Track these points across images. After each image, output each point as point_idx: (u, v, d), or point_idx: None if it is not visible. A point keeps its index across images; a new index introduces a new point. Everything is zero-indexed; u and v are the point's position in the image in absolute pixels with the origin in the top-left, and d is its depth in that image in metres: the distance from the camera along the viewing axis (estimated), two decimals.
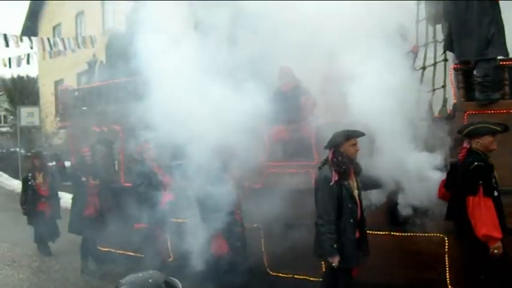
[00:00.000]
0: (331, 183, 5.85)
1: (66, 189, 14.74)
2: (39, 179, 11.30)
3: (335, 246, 5.78)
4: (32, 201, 11.16)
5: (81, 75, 25.55)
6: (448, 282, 6.45)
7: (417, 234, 6.55)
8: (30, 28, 30.36)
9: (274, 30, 7.34)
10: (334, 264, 5.80)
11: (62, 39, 19.82)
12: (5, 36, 17.59)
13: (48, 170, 11.82)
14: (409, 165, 6.25)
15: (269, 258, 7.78)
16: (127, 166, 9.39)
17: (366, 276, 6.18)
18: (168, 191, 7.89)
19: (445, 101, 7.04)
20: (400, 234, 6.69)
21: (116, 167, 10.05)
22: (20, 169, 22.45)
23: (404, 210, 6.43)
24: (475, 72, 6.52)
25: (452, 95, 6.82)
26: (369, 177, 6.27)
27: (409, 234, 6.62)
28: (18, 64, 19.68)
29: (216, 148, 6.85)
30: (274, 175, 7.49)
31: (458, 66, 6.64)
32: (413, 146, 6.30)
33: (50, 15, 30.88)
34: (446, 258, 6.46)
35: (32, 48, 19.31)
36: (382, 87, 6.18)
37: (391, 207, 6.61)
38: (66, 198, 13.07)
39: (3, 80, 35.36)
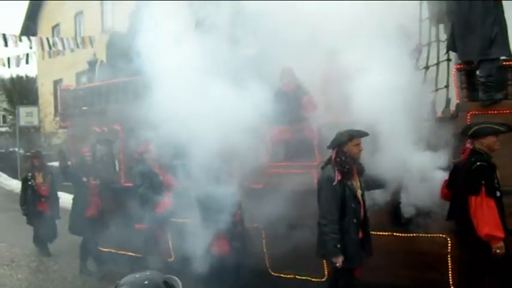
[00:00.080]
0: (334, 183, 5.83)
1: (65, 189, 14.76)
2: (39, 178, 11.26)
3: (338, 246, 5.76)
4: (32, 201, 11.11)
5: (80, 75, 25.59)
6: (451, 282, 6.43)
7: (420, 235, 6.53)
8: (30, 28, 30.34)
9: (276, 30, 7.33)
10: (338, 264, 5.77)
11: (61, 39, 19.79)
12: (4, 36, 17.56)
13: (47, 169, 11.80)
14: (412, 165, 6.23)
15: (271, 258, 7.75)
16: (127, 166, 9.36)
17: (369, 277, 6.15)
18: (167, 196, 7.84)
19: (448, 101, 7.01)
20: (403, 234, 6.67)
21: (117, 167, 10.01)
22: (18, 169, 22.46)
23: (407, 211, 6.39)
24: (478, 72, 6.50)
25: (455, 95, 6.80)
26: (371, 177, 6.25)
27: (412, 234, 6.59)
28: (17, 64, 19.62)
29: (217, 148, 6.81)
30: (276, 175, 7.47)
31: (462, 66, 6.62)
32: (416, 146, 6.27)
33: (49, 15, 30.85)
34: (449, 259, 6.44)
35: (31, 48, 19.28)
36: (385, 87, 6.16)
37: (394, 208, 6.58)
38: (64, 198, 13.05)
39: (2, 80, 35.35)
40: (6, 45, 17.67)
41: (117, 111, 9.44)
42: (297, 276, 7.55)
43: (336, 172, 5.86)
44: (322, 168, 6.14)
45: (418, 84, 6.76)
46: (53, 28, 30.42)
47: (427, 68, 7.45)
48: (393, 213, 6.65)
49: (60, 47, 19.39)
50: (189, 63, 6.97)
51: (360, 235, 5.94)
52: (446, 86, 7.13)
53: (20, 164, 22.33)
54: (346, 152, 5.90)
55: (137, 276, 2.66)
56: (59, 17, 29.64)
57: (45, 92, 31.12)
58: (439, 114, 6.95)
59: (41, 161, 11.53)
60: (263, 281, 7.49)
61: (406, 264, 6.55)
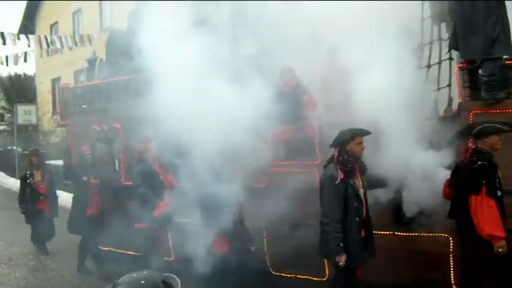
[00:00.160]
0: (336, 182, 5.80)
1: (63, 188, 14.73)
2: (38, 177, 11.23)
3: (341, 245, 5.73)
4: (31, 200, 11.06)
5: (78, 73, 25.59)
6: (453, 282, 6.42)
7: (422, 234, 6.52)
8: (28, 27, 30.35)
9: (277, 29, 7.32)
10: (340, 264, 5.74)
11: (59, 37, 19.74)
12: (2, 34, 17.51)
13: (46, 167, 11.80)
14: (414, 164, 6.22)
15: (272, 258, 7.73)
16: (128, 165, 9.33)
17: (371, 276, 6.12)
18: (167, 196, 7.82)
19: (450, 100, 7.00)
20: (405, 234, 6.65)
21: (117, 165, 9.98)
22: (16, 167, 22.42)
23: (409, 210, 6.38)
24: (480, 71, 6.49)
25: (457, 94, 6.78)
26: (374, 176, 6.23)
27: (414, 234, 6.58)
28: (16, 62, 19.58)
29: (218, 147, 6.78)
30: (278, 174, 7.45)
31: (464, 65, 6.61)
32: (418, 145, 6.26)
33: (47, 13, 30.84)
34: (451, 258, 6.42)
35: (29, 46, 19.23)
36: (387, 85, 6.16)
37: (396, 207, 6.56)
38: (63, 197, 13.03)
39: (1, 78, 35.23)
40: (4, 43, 17.63)
41: (117, 109, 9.41)
42: (297, 276, 7.53)
43: (339, 171, 5.83)
44: (325, 167, 6.11)
45: (421, 83, 6.73)
46: (51, 26, 30.41)
47: (429, 66, 7.43)
48: (395, 212, 6.62)
49: (58, 45, 19.34)
50: (189, 62, 6.94)
51: (362, 234, 5.92)
52: (449, 85, 7.12)
53: (18, 163, 22.28)
54: (348, 150, 5.88)
55: (135, 275, 2.66)
56: (57, 16, 29.61)
57: (43, 90, 31.11)
58: (442, 113, 6.93)
59: (40, 159, 11.50)
60: (264, 280, 7.44)
61: (408, 263, 6.54)
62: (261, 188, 7.41)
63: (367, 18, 6.61)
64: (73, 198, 9.44)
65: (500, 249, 5.46)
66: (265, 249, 7.76)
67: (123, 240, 8.79)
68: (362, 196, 5.93)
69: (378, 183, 6.32)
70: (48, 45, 19.15)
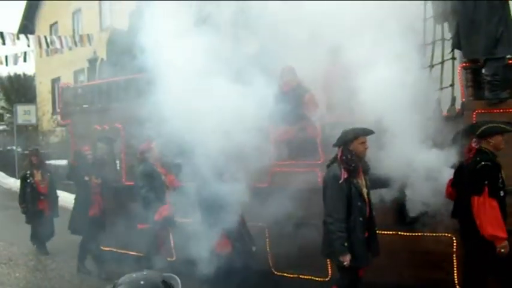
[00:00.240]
0: (340, 181, 5.79)
1: (63, 188, 14.73)
2: (38, 176, 11.25)
3: (345, 244, 5.72)
4: (31, 199, 11.06)
5: (78, 73, 25.59)
6: (456, 282, 6.40)
7: (425, 234, 6.51)
8: (27, 26, 30.30)
9: (279, 28, 7.30)
10: (345, 263, 5.73)
11: (59, 37, 19.72)
12: (2, 34, 17.50)
13: (46, 167, 11.80)
14: (417, 164, 6.19)
15: (274, 258, 7.71)
16: (129, 165, 9.32)
17: (374, 276, 6.11)
18: (169, 198, 7.80)
19: (453, 99, 6.98)
20: (408, 233, 6.64)
21: (118, 165, 9.96)
22: (16, 167, 22.40)
23: (412, 210, 6.36)
24: (484, 71, 6.48)
25: (460, 93, 6.77)
26: (377, 175, 6.21)
27: (417, 233, 6.56)
28: (15, 62, 19.59)
29: (220, 147, 6.76)
30: (280, 174, 7.43)
31: (467, 64, 6.59)
32: (421, 144, 6.23)
33: (47, 13, 30.80)
34: (455, 258, 6.40)
35: (28, 46, 19.22)
36: (391, 85, 6.14)
37: (399, 207, 6.54)
38: (63, 197, 13.01)
39: (0, 78, 35.18)
40: (4, 43, 17.63)
41: (118, 109, 9.39)
42: (300, 276, 7.50)
43: (342, 170, 5.82)
44: (328, 166, 6.10)
45: (423, 82, 6.71)
46: (51, 26, 30.37)
47: (431, 66, 7.42)
48: (398, 212, 6.60)
49: (58, 45, 19.33)
50: (191, 61, 6.92)
51: (366, 234, 5.90)
52: (452, 85, 7.10)
53: (18, 162, 22.27)
54: (352, 150, 5.87)
55: (134, 276, 2.66)
56: (57, 16, 29.58)
57: (43, 90, 31.08)
58: (445, 112, 6.92)
59: (40, 159, 11.52)
60: (266, 280, 7.42)
61: (411, 263, 6.53)
62: (263, 187, 7.37)
63: (369, 17, 6.59)
64: (75, 198, 9.42)
65: (502, 250, 5.45)
66: (268, 249, 7.74)
67: (125, 241, 8.77)
68: (365, 196, 5.92)
69: (380, 182, 6.30)
70: (47, 45, 19.14)
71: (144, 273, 2.70)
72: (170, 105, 6.81)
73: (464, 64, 6.66)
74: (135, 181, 8.08)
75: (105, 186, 9.18)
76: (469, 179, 5.64)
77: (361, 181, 5.94)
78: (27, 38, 18.88)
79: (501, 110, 6.31)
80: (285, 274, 7.67)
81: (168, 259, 8.38)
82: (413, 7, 7.17)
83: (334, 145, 6.03)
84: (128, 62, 8.55)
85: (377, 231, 6.12)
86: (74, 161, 9.43)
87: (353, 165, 5.83)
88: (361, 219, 5.82)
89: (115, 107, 9.56)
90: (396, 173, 6.26)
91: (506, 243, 5.45)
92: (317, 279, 7.33)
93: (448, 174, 6.12)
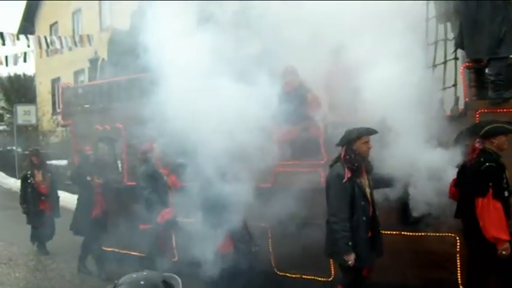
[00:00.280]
0: (344, 181, 5.78)
1: (64, 188, 14.72)
2: (38, 176, 11.27)
3: (350, 244, 5.71)
4: (32, 200, 11.06)
5: (78, 73, 25.58)
6: (460, 282, 6.38)
7: (429, 234, 6.49)
8: (27, 27, 30.23)
9: (281, 28, 7.29)
10: (350, 263, 5.72)
11: (59, 38, 19.69)
12: (2, 34, 17.46)
13: (47, 167, 11.80)
14: (421, 164, 6.18)
15: (277, 258, 7.69)
16: (131, 165, 9.30)
17: (377, 276, 6.10)
18: (172, 200, 7.78)
19: (456, 99, 6.97)
20: (412, 233, 6.62)
21: (120, 166, 9.93)
22: (16, 167, 22.40)
23: (415, 209, 6.34)
24: (487, 70, 6.47)
25: (463, 93, 6.75)
26: (380, 175, 6.20)
27: (420, 233, 6.55)
28: (15, 62, 19.54)
29: (222, 148, 6.74)
30: (283, 174, 7.42)
31: (470, 64, 6.58)
32: (424, 144, 6.22)
33: (47, 13, 30.76)
34: (458, 258, 6.39)
35: (28, 46, 19.20)
36: (393, 84, 6.13)
37: (402, 207, 6.53)
38: (64, 197, 13.00)
39: (0, 78, 35.15)
40: (3, 43, 17.59)
41: (120, 109, 9.37)
42: (303, 276, 7.49)
43: (346, 170, 5.82)
44: (331, 166, 6.09)
45: (426, 81, 6.70)
46: (51, 26, 30.33)
47: (434, 66, 7.41)
48: (401, 212, 6.59)
49: (58, 45, 19.28)
50: (192, 61, 6.90)
51: (369, 234, 5.89)
52: (455, 85, 7.09)
53: (18, 163, 22.27)
54: (355, 149, 5.87)
55: (134, 276, 2.66)
56: (57, 16, 29.53)
57: (43, 90, 31.02)
58: (448, 112, 6.91)
59: (40, 159, 11.55)
60: (268, 280, 7.41)
61: (415, 263, 6.51)
62: (266, 187, 7.35)
63: (371, 17, 6.58)
64: (78, 199, 9.39)
65: (504, 252, 5.43)
66: (270, 249, 7.73)
67: (127, 241, 8.77)
68: (368, 195, 5.92)
69: (384, 182, 6.28)
70: (47, 46, 19.09)
71: (145, 273, 2.70)
72: (172, 105, 6.80)
73: (467, 64, 6.65)
74: (137, 182, 8.04)
75: (107, 187, 9.16)
76: (472, 180, 5.62)
77: (364, 181, 5.95)
78: (27, 38, 18.85)
79: (504, 110, 6.29)
80: (287, 274, 7.65)
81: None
82: (415, 7, 7.15)
83: (338, 144, 6.03)
84: (129, 62, 8.53)
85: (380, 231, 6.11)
86: (77, 161, 9.42)
87: (356, 164, 5.83)
88: (364, 218, 5.82)
89: (116, 107, 9.54)
90: (399, 173, 6.24)
91: (507, 245, 5.43)
92: (320, 279, 7.31)
93: (452, 174, 6.10)
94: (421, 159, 6.16)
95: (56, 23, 30.10)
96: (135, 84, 9.20)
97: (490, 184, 5.46)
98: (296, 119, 7.30)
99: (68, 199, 14.47)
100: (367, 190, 5.93)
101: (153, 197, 7.58)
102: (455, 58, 7.26)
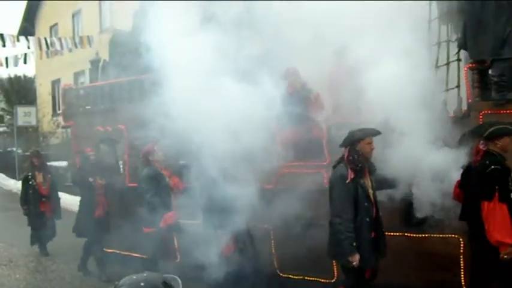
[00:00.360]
0: (347, 181, 5.77)
1: (65, 190, 14.71)
2: (39, 178, 11.27)
3: (354, 244, 5.69)
4: (33, 201, 11.07)
5: (78, 75, 25.58)
6: (463, 283, 6.35)
7: (432, 235, 6.47)
8: (27, 28, 30.26)
9: (283, 28, 7.28)
10: (354, 263, 5.69)
11: (59, 39, 19.72)
12: (2, 36, 17.49)
13: (47, 169, 11.80)
14: (424, 165, 6.16)
15: (279, 259, 7.67)
16: (132, 167, 9.27)
17: (380, 278, 6.07)
18: (175, 202, 7.76)
19: (460, 100, 6.96)
20: (415, 235, 6.60)
21: (121, 167, 9.91)
22: (16, 169, 22.40)
23: (419, 211, 6.33)
24: (490, 71, 6.44)
25: (466, 94, 6.73)
26: (383, 176, 6.18)
27: (424, 235, 6.53)
28: (15, 64, 19.57)
29: (224, 149, 6.73)
30: (286, 176, 7.40)
31: (474, 65, 6.56)
32: (428, 145, 6.20)
33: (47, 15, 30.79)
34: (462, 259, 6.36)
35: (28, 48, 19.23)
36: (395, 85, 6.12)
37: (405, 208, 6.51)
38: (64, 199, 12.99)
39: (0, 80, 35.15)
40: (4, 45, 17.62)
41: (121, 110, 9.36)
42: (305, 277, 7.46)
43: (349, 170, 5.80)
44: (334, 167, 6.07)
45: (429, 82, 6.68)
46: (51, 28, 30.35)
47: (437, 67, 7.39)
48: (405, 213, 6.57)
49: (58, 47, 19.31)
50: (194, 62, 6.88)
51: (373, 235, 5.87)
52: (458, 86, 7.08)
53: (18, 164, 22.26)
54: (358, 150, 5.85)
55: (135, 277, 2.65)
56: (57, 17, 29.57)
57: (43, 92, 31.04)
58: (451, 113, 6.89)
59: (41, 161, 11.55)
60: (271, 281, 7.40)
61: (418, 264, 6.49)
62: (269, 189, 7.33)
63: (374, 17, 6.57)
64: (80, 201, 9.37)
65: (505, 256, 5.40)
66: (273, 251, 7.70)
67: (128, 243, 8.75)
68: (372, 196, 5.90)
69: (387, 183, 6.27)
70: (47, 47, 19.13)
71: (145, 274, 2.70)
72: (173, 106, 6.78)
73: (470, 65, 6.62)
74: (139, 184, 8.00)
75: (108, 188, 9.15)
76: (477, 183, 5.58)
77: (368, 181, 5.93)
78: (27, 39, 18.92)
79: (508, 111, 6.25)
80: (290, 276, 7.62)
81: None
82: (418, 7, 7.13)
83: (341, 145, 6.01)
84: (131, 63, 8.52)
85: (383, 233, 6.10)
86: (78, 163, 9.41)
87: (360, 165, 5.82)
88: (367, 219, 5.81)
89: (118, 108, 9.51)
90: (402, 174, 6.23)
91: (510, 249, 5.39)
92: (323, 280, 7.28)
93: (455, 175, 6.07)
94: (424, 161, 6.14)
95: (56, 24, 30.13)
96: (137, 85, 9.18)
97: (496, 187, 5.40)
98: (298, 120, 7.28)
99: (68, 201, 14.49)
100: (370, 191, 5.91)
101: (156, 200, 7.53)
102: (458, 59, 7.24)
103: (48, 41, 19.21)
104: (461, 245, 6.35)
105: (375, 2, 6.60)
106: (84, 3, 25.80)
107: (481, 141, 5.69)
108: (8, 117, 31.94)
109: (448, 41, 7.48)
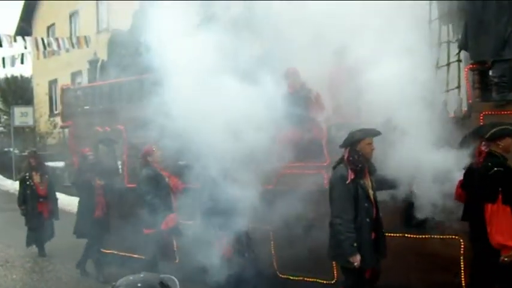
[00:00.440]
0: (347, 182, 5.74)
1: (62, 190, 14.68)
2: (37, 178, 11.25)
3: (355, 245, 5.66)
4: (31, 201, 11.04)
5: (75, 75, 25.54)
6: (463, 284, 6.33)
7: (432, 236, 6.45)
8: (24, 28, 30.21)
9: (283, 28, 7.27)
10: (356, 264, 5.67)
11: (56, 39, 19.75)
12: None
13: (45, 169, 11.78)
14: (424, 166, 6.14)
15: (279, 260, 7.64)
16: (131, 167, 9.24)
17: (381, 279, 6.04)
18: (175, 203, 7.73)
19: (460, 101, 6.95)
20: (415, 236, 6.58)
21: (120, 168, 9.88)
22: (13, 169, 22.38)
23: (419, 212, 6.31)
24: (491, 72, 6.44)
25: (467, 95, 6.72)
26: (382, 176, 6.16)
27: (424, 236, 6.51)
28: (12, 64, 19.62)
29: (224, 150, 6.70)
30: (286, 176, 7.38)
31: (474, 66, 6.54)
32: (428, 145, 6.18)
33: (44, 15, 30.77)
34: (462, 261, 6.33)
35: (25, 48, 19.22)
36: (396, 85, 6.12)
37: (406, 209, 6.50)
38: (62, 199, 12.94)
39: None
40: (1, 45, 17.71)
41: (120, 110, 9.33)
42: (305, 279, 7.43)
43: (349, 171, 5.77)
44: (334, 167, 6.04)
45: (430, 83, 6.68)
46: (48, 28, 30.31)
47: (437, 68, 7.38)
48: (405, 214, 6.56)
49: (55, 47, 19.34)
50: (194, 62, 6.86)
51: (373, 236, 5.85)
52: (458, 87, 7.07)
53: (15, 164, 22.23)
54: (358, 151, 5.83)
55: (131, 278, 2.65)
56: (54, 17, 29.56)
57: (40, 92, 31.01)
58: (451, 114, 6.88)
59: (39, 161, 11.53)
60: (271, 283, 7.37)
61: (418, 266, 6.47)
62: (268, 190, 7.30)
63: (373, 17, 6.57)
64: (79, 202, 9.34)
65: (506, 259, 5.38)
66: (273, 252, 7.67)
67: (128, 244, 8.71)
68: (372, 197, 5.88)
69: (387, 184, 6.25)
70: (44, 47, 19.17)
71: (141, 275, 2.68)
72: (172, 106, 6.76)
73: (471, 65, 6.61)
74: (139, 185, 7.93)
75: (108, 188, 9.11)
76: (480, 184, 5.56)
77: (368, 182, 5.90)
78: (24, 39, 18.94)
79: (508, 112, 6.24)
80: (290, 277, 7.60)
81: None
82: (419, 7, 7.12)
83: (341, 146, 5.99)
84: (131, 63, 8.49)
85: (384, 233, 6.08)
86: (77, 163, 9.39)
87: (360, 165, 5.79)
88: (368, 220, 5.78)
89: (117, 109, 9.49)
90: (402, 174, 6.22)
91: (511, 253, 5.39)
92: (322, 281, 7.26)
93: (456, 176, 6.05)
94: (424, 161, 6.13)
95: (53, 24, 30.10)
96: (136, 85, 9.16)
97: (500, 189, 5.38)
98: (298, 120, 7.26)
99: (65, 201, 14.46)
100: (371, 192, 5.88)
101: (156, 202, 7.48)
102: (458, 60, 7.23)
103: (45, 41, 19.26)
104: (462, 246, 6.32)
105: (375, 2, 6.59)
106: (81, 4, 25.76)
107: (483, 142, 5.67)
108: (5, 117, 31.86)
109: (448, 42, 7.46)
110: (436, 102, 6.83)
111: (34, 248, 11.22)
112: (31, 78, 33.69)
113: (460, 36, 6.99)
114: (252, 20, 7.40)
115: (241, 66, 6.90)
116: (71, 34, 25.03)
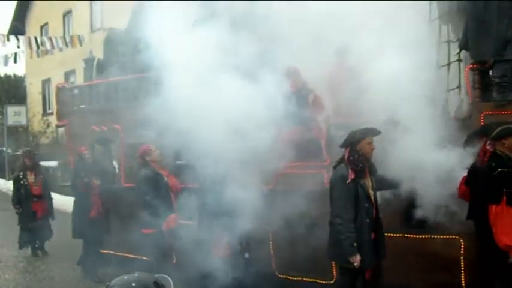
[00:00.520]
0: (347, 182, 5.72)
1: (57, 190, 14.62)
2: (31, 178, 11.25)
3: (355, 245, 5.64)
4: (25, 201, 11.01)
5: (68, 74, 25.48)
6: (464, 285, 6.33)
7: (433, 237, 6.45)
8: (18, 28, 30.14)
9: (283, 28, 7.24)
10: (356, 264, 5.64)
11: (50, 38, 19.64)
12: None
13: (39, 169, 11.74)
14: (425, 166, 6.11)
15: (277, 260, 7.61)
16: (128, 167, 9.18)
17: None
18: (175, 203, 7.67)
19: (461, 101, 6.93)
20: (415, 236, 6.57)
21: (117, 168, 9.83)
22: (6, 169, 22.32)
23: (420, 212, 6.29)
24: (492, 72, 6.42)
25: (467, 95, 6.71)
26: (383, 176, 6.14)
27: (424, 236, 6.50)
28: (5, 63, 19.57)
29: (222, 150, 6.66)
30: (285, 176, 7.34)
31: (475, 66, 6.53)
32: (429, 145, 6.16)
33: (38, 14, 30.72)
34: (462, 261, 6.32)
35: (19, 47, 19.14)
36: (398, 86, 6.10)
37: (406, 209, 6.48)
38: (56, 199, 12.89)
39: None
40: None
41: (118, 109, 9.27)
42: (304, 279, 7.41)
43: (349, 171, 5.75)
44: (334, 167, 6.02)
45: (431, 82, 6.66)
46: (42, 27, 30.24)
47: (438, 68, 7.36)
48: (405, 214, 6.54)
49: (48, 46, 19.23)
50: (191, 61, 6.82)
51: (372, 236, 5.82)
52: (458, 87, 7.06)
53: (8, 164, 22.16)
54: (359, 150, 5.82)
55: (126, 278, 2.65)
56: (48, 17, 29.52)
57: (33, 91, 30.94)
58: (452, 114, 6.87)
59: (33, 161, 11.51)
60: (269, 283, 7.35)
61: (418, 266, 6.47)
62: (267, 190, 7.25)
63: (374, 17, 6.55)
64: (74, 202, 9.28)
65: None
66: (271, 252, 7.65)
67: (125, 244, 8.66)
68: (372, 197, 5.86)
69: (387, 184, 6.22)
70: (38, 46, 19.07)
71: (136, 274, 2.69)
72: (170, 105, 6.70)
73: (472, 65, 6.59)
74: (138, 185, 7.84)
75: (104, 188, 9.05)
76: (484, 184, 5.55)
77: (368, 182, 5.88)
78: (17, 39, 18.88)
79: (509, 112, 6.22)
80: (288, 277, 7.57)
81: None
82: (418, 7, 7.11)
83: (341, 146, 5.97)
84: (128, 61, 8.44)
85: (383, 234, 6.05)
86: (73, 163, 9.34)
87: (360, 165, 5.78)
88: (367, 220, 5.76)
89: (114, 108, 9.43)
90: (403, 174, 6.19)
91: None
92: (321, 282, 7.23)
93: (457, 176, 6.03)
94: (425, 161, 6.10)
95: (46, 24, 30.06)
96: (132, 84, 9.10)
97: (504, 191, 5.38)
98: (298, 120, 7.23)
99: (59, 201, 14.39)
100: (371, 192, 5.87)
101: (156, 202, 7.41)
102: (459, 60, 7.22)
103: (39, 40, 19.15)
104: (462, 247, 6.32)
105: (375, 2, 6.57)
106: (75, 3, 25.66)
107: (488, 142, 5.67)
108: None
109: (448, 41, 7.45)
110: (437, 101, 6.80)
111: (32, 248, 11.20)
112: (24, 77, 33.62)
113: (460, 36, 6.97)
114: (251, 20, 7.35)
115: (241, 65, 6.86)
116: (64, 33, 24.95)
